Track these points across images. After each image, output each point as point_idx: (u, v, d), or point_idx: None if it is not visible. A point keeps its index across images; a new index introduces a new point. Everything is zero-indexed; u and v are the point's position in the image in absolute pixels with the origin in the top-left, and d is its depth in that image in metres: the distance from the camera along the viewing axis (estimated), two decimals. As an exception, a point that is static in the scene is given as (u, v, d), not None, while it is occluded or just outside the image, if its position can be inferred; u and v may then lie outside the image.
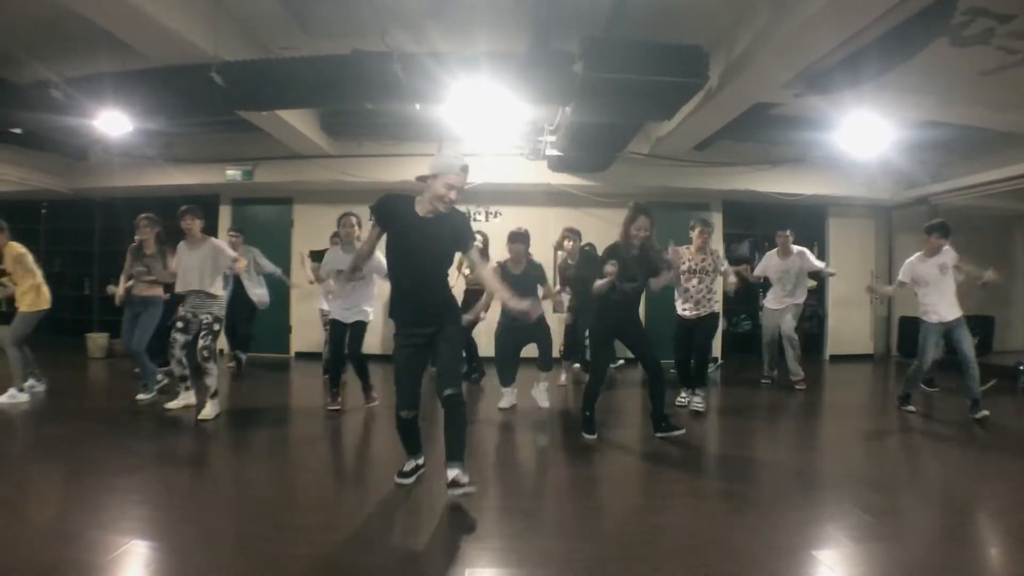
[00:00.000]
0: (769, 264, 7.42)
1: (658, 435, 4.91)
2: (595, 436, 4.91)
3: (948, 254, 5.78)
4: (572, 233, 6.90)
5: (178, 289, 5.50)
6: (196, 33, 4.95)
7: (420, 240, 3.50)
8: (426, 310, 3.58)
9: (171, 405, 5.52)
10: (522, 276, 5.69)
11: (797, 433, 5.74)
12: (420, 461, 3.94)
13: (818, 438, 5.65)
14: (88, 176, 9.32)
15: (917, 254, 5.96)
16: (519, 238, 5.72)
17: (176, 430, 5.05)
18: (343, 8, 5.33)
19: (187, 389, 5.59)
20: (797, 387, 7.15)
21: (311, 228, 9.16)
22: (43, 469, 4.10)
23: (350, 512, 3.51)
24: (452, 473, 3.44)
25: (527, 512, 3.51)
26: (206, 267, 5.43)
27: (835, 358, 9.80)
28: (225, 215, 9.66)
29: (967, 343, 5.70)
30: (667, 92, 5.29)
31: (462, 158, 3.51)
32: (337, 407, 5.76)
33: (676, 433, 4.88)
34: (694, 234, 5.88)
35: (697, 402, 5.93)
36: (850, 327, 10.04)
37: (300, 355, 9.39)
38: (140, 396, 5.93)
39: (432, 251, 3.55)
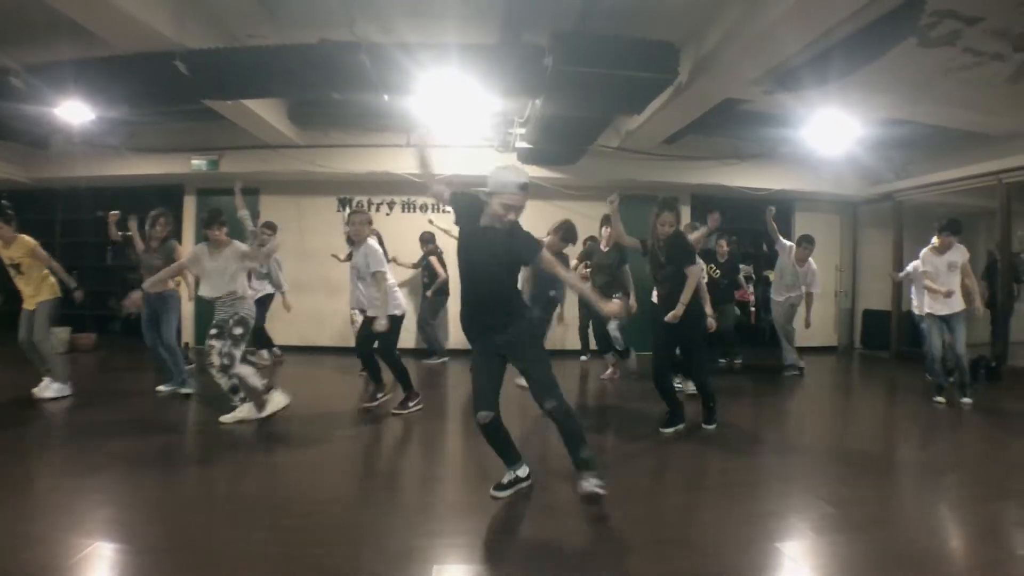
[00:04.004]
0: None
1: (704, 425, 5.07)
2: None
3: (959, 251, 5.98)
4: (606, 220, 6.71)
5: (204, 295, 5.16)
6: (160, 20, 4.85)
7: (478, 252, 3.28)
8: (485, 324, 3.37)
9: (225, 419, 4.98)
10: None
11: (765, 424, 5.73)
12: (521, 473, 3.55)
13: (785, 429, 5.71)
14: (49, 166, 9.08)
15: (930, 247, 6.10)
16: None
17: (143, 428, 4.91)
18: (311, -3, 5.26)
19: (241, 401, 5.07)
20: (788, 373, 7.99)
21: (278, 219, 9.01)
22: (2, 470, 4.00)
23: (331, 513, 3.40)
24: (581, 481, 3.32)
25: (494, 506, 3.50)
26: (228, 270, 5.07)
27: (799, 350, 9.90)
28: (190, 205, 9.51)
29: (963, 337, 5.95)
30: (637, 87, 5.33)
31: (522, 174, 3.22)
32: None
33: (711, 427, 5.07)
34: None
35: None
36: (814, 320, 10.16)
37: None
38: (185, 390, 5.91)
39: (488, 263, 3.26)
